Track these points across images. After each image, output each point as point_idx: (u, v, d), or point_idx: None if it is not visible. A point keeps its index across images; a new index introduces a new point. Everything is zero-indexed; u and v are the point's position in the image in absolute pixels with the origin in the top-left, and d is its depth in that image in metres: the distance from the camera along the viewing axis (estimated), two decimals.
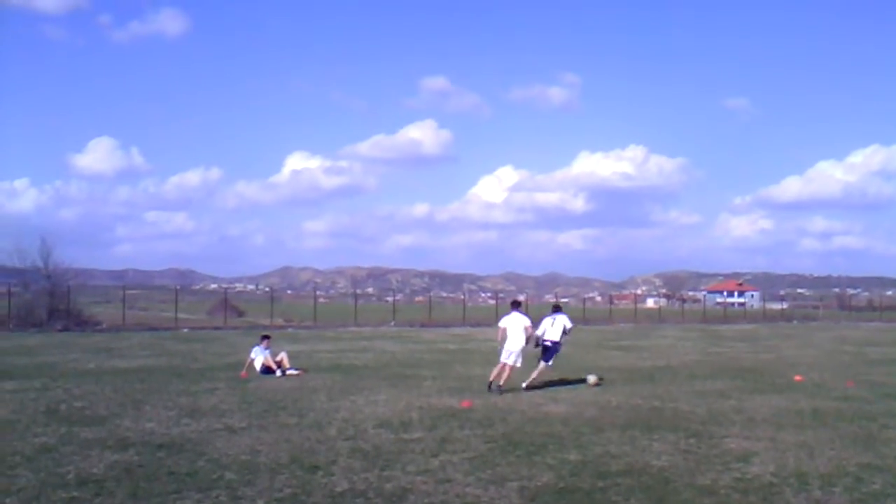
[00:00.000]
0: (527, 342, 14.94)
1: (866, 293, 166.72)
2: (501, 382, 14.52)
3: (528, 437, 9.81)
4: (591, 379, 15.84)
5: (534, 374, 15.21)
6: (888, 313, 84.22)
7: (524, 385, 14.85)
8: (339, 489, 7.15)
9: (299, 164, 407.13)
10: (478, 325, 49.41)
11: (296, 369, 17.48)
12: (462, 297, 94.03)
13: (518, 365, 14.76)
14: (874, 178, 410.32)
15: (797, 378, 17.44)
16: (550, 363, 15.54)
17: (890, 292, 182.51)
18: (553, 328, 15.56)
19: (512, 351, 14.73)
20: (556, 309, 16.19)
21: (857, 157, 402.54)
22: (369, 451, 8.85)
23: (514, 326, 14.94)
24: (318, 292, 72.99)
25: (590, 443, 9.54)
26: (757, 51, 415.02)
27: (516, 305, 15.95)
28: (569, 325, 15.79)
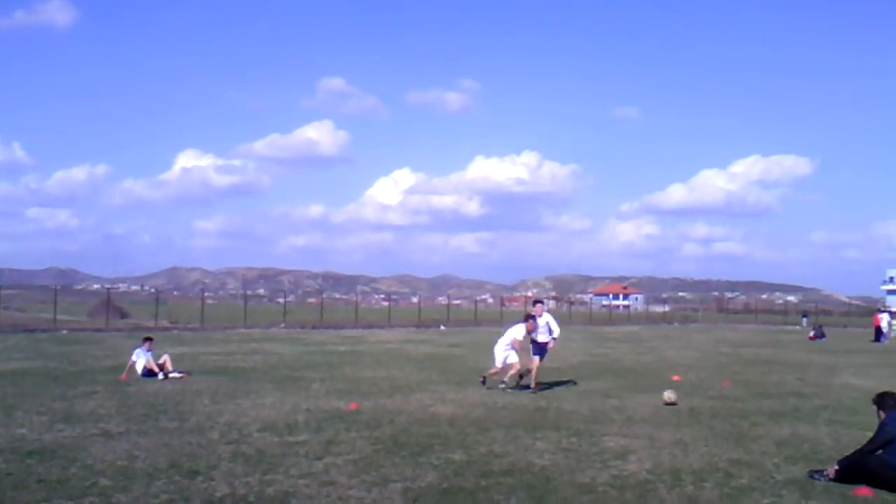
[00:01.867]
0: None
1: (744, 297, 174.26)
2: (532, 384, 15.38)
3: (414, 438, 9.85)
4: (669, 396, 13.61)
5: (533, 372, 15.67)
6: (763, 316, 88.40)
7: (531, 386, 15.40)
8: (218, 494, 7.00)
9: (190, 161, 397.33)
10: (370, 327, 49.28)
11: (179, 372, 17.02)
12: (355, 298, 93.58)
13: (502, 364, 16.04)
14: (754, 187, 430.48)
15: (675, 378, 18.10)
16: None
17: (765, 296, 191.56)
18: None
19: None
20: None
21: (739, 167, 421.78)
22: (252, 455, 8.70)
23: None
24: (206, 293, 71.19)
25: (475, 443, 9.65)
26: (647, 62, 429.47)
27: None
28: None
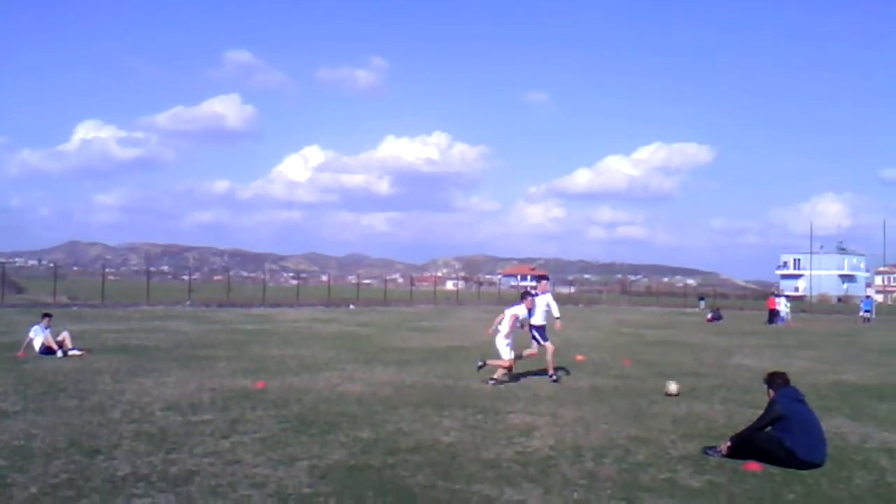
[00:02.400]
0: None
1: (646, 280, 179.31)
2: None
3: (322, 417, 9.84)
4: (672, 387, 12.89)
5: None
6: (664, 299, 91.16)
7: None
8: (120, 473, 6.86)
9: (90, 132, 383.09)
10: (278, 305, 48.75)
11: (79, 350, 16.53)
12: (263, 276, 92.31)
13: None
14: (656, 173, 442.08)
15: (579, 358, 18.54)
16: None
17: (666, 279, 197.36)
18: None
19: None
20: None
21: (642, 154, 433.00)
22: (155, 434, 8.55)
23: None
24: (107, 269, 68.96)
25: (383, 421, 9.70)
26: (557, 48, 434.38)
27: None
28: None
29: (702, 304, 66.28)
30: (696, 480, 7.17)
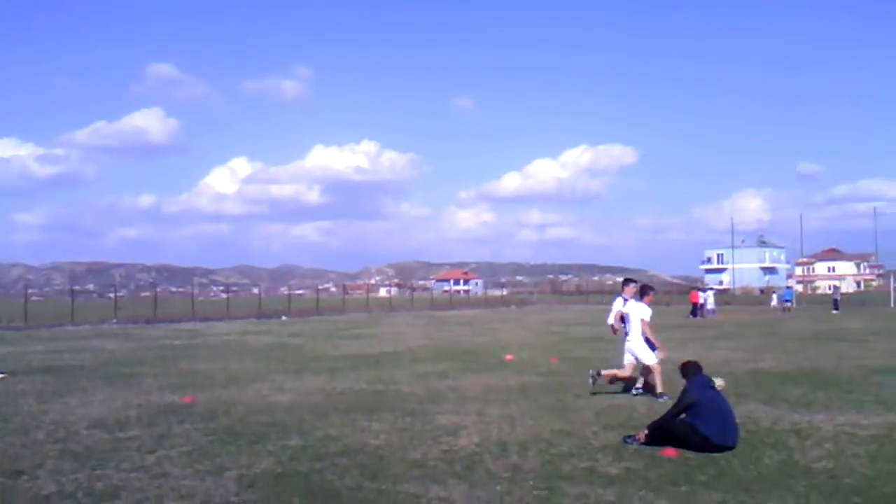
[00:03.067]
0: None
1: (576, 278, 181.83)
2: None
3: (250, 428, 9.85)
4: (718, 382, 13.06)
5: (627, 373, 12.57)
6: (594, 296, 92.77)
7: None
8: (45, 492, 6.81)
9: (8, 151, 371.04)
10: (207, 319, 48.06)
11: (1, 372, 16.14)
12: (192, 291, 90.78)
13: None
14: (583, 175, 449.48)
15: (508, 357, 18.87)
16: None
17: (596, 278, 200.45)
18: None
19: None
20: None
21: (569, 156, 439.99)
22: (80, 452, 8.47)
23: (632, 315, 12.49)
24: (30, 290, 66.96)
25: (312, 428, 9.78)
26: (482, 53, 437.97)
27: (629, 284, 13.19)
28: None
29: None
30: (615, 468, 7.45)
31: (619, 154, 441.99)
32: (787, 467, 7.42)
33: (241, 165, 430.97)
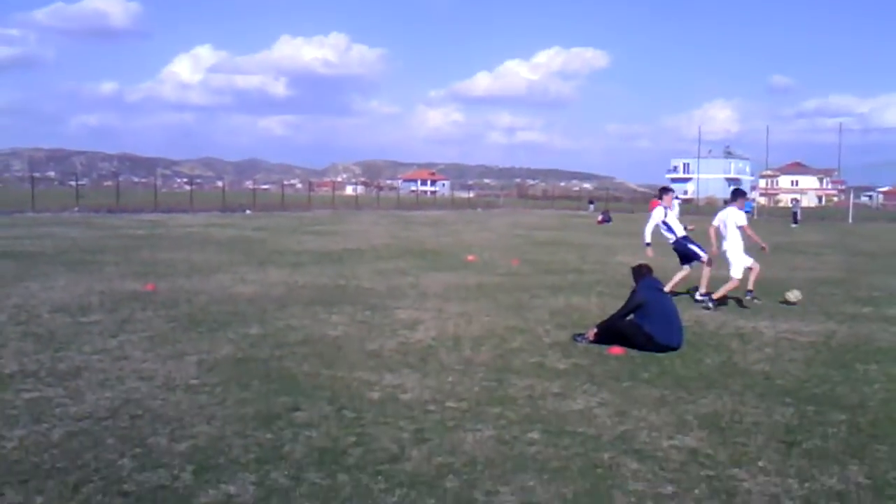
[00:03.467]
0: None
1: (543, 184, 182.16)
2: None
3: (211, 316, 10.04)
4: (793, 295, 12.31)
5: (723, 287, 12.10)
6: (560, 202, 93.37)
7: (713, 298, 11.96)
8: (7, 371, 6.97)
9: None
10: (170, 211, 47.76)
11: None
12: (155, 182, 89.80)
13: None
14: (554, 78, 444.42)
15: (470, 258, 19.15)
16: (688, 266, 13.09)
17: (563, 183, 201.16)
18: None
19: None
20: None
21: (541, 58, 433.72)
22: (43, 335, 8.61)
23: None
24: None
25: (273, 318, 9.99)
26: None
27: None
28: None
29: (591, 207, 68.53)
30: (563, 363, 7.78)
31: (592, 57, 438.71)
32: (727, 368, 7.79)
33: (206, 53, 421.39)
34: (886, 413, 6.23)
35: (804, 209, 68.53)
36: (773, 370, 7.73)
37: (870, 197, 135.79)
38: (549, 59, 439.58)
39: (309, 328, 9.37)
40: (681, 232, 13.13)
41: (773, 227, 46.68)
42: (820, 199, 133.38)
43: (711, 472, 4.86)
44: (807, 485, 4.69)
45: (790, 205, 65.83)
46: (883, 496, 4.55)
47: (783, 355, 8.47)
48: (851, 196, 79.01)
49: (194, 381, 6.74)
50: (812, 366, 7.98)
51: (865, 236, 38.67)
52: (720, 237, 12.67)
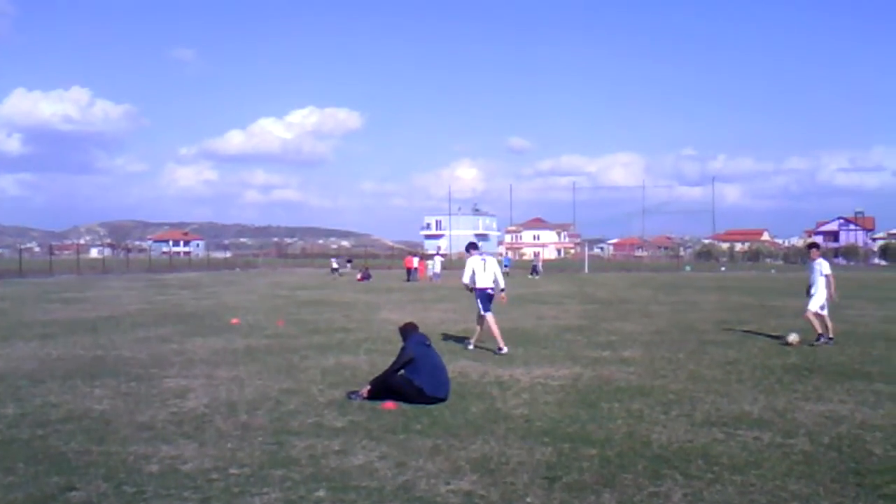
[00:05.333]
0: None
1: (302, 242, 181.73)
2: None
3: None
4: (793, 337, 14.19)
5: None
6: (320, 260, 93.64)
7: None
8: None
9: None
10: None
11: None
12: None
13: None
14: (309, 136, 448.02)
15: (234, 321, 18.91)
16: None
17: (322, 241, 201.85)
18: (485, 273, 14.05)
19: None
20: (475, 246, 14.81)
21: (295, 117, 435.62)
22: None
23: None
24: None
25: (28, 395, 9.41)
26: (204, 5, 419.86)
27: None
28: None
29: (348, 266, 69.53)
30: (340, 421, 8.04)
31: (345, 118, 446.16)
32: (491, 414, 8.42)
33: None
34: (629, 445, 7.07)
35: (545, 261, 73.76)
36: (532, 413, 8.46)
37: (601, 248, 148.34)
38: (303, 118, 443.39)
39: (71, 403, 8.93)
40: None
41: (519, 279, 49.83)
42: (559, 251, 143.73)
43: None
44: None
45: (532, 258, 70.87)
46: None
47: (538, 399, 9.27)
48: (586, 248, 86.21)
49: None
50: (564, 406, 8.81)
51: (599, 284, 42.41)
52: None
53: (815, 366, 11.79)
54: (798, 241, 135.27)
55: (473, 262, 14.16)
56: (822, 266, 14.66)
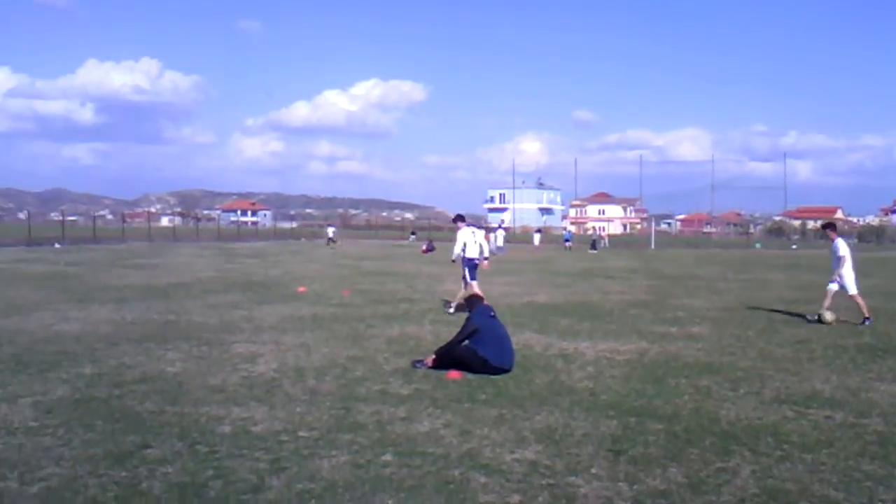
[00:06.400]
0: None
1: (366, 213, 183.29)
2: None
3: (39, 356, 9.64)
4: (829, 316, 14.09)
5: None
6: (383, 232, 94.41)
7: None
8: None
9: None
10: None
11: None
12: None
13: None
14: (373, 109, 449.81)
15: (301, 289, 19.20)
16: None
17: (385, 213, 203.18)
18: (474, 245, 15.60)
19: None
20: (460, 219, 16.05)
21: (360, 89, 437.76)
22: None
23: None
24: None
25: (105, 357, 9.73)
26: None
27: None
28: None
29: (412, 237, 70.02)
30: (406, 389, 8.12)
31: (409, 90, 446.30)
32: (555, 386, 8.41)
33: (4, 77, 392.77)
34: (696, 421, 6.99)
35: (611, 236, 73.07)
36: (597, 386, 8.42)
37: (668, 224, 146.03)
38: (368, 90, 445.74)
39: (145, 365, 9.21)
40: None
41: (581, 254, 49.46)
42: (625, 226, 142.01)
43: (551, 481, 5.34)
44: (635, 487, 5.25)
45: (598, 232, 70.21)
46: (699, 492, 5.18)
47: (604, 372, 9.22)
48: (653, 223, 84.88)
49: (34, 424, 6.55)
50: (629, 381, 8.75)
51: (667, 260, 41.81)
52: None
53: (890, 346, 11.48)
54: (874, 220, 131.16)
55: (464, 234, 15.43)
56: (840, 246, 14.55)
